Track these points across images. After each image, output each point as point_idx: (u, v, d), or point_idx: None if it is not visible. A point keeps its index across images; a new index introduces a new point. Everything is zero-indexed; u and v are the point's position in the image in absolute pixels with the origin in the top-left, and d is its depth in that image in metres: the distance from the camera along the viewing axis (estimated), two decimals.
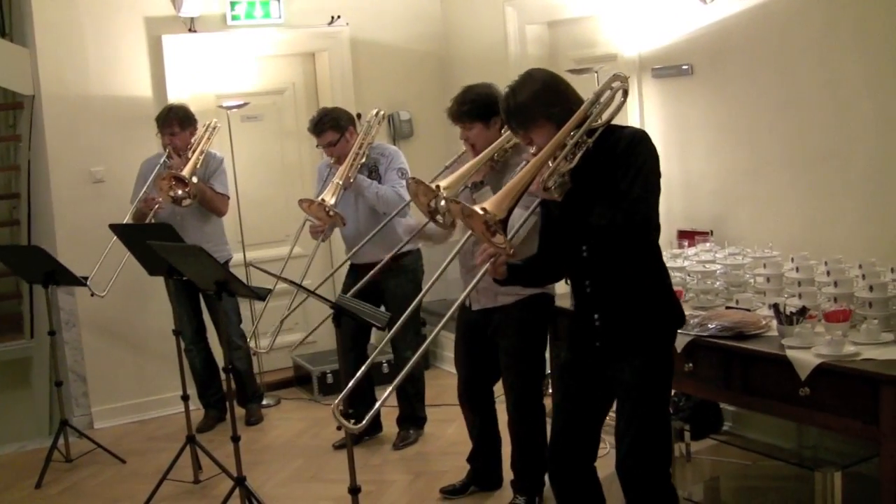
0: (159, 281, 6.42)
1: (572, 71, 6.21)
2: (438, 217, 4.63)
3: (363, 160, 6.06)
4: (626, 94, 3.66)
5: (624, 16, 6.31)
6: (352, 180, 5.95)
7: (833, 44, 5.05)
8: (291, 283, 4.34)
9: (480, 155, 4.79)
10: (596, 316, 3.82)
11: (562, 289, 5.07)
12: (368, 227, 5.89)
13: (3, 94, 9.01)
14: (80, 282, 6.27)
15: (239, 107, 7.45)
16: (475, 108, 4.86)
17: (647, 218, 3.66)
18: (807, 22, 5.19)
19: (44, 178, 7.46)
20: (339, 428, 4.36)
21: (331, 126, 6.11)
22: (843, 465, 4.33)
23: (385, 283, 6.08)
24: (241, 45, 7.77)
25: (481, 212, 3.45)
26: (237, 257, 7.27)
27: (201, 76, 7.76)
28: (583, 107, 3.64)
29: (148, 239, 5.34)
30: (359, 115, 7.22)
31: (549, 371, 5.51)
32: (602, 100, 3.64)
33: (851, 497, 4.35)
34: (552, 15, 7.10)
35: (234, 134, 7.46)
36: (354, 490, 4.31)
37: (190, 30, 7.48)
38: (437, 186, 4.58)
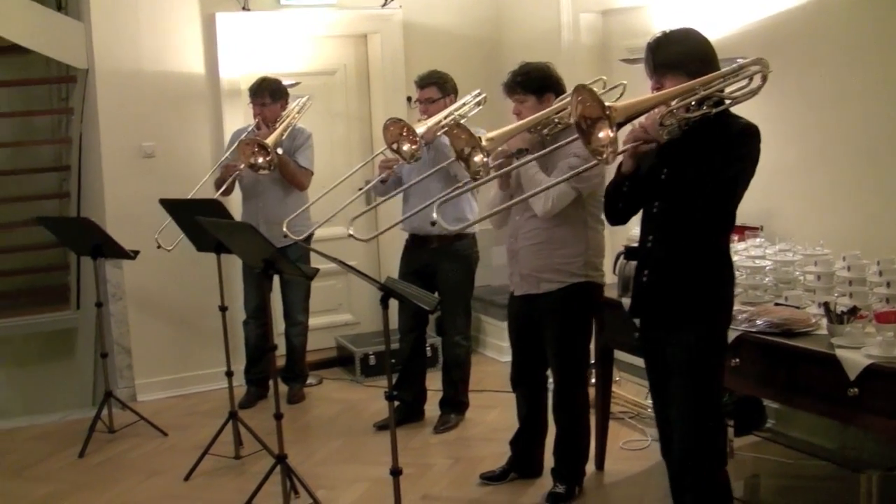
0: (206, 257, 6.45)
1: (625, 60, 6.19)
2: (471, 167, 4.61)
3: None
4: (764, 80, 3.68)
5: (677, 5, 6.26)
6: (437, 134, 5.94)
7: (886, 39, 5.00)
8: (342, 263, 4.34)
9: (529, 118, 4.77)
10: (646, 272, 3.92)
11: (607, 279, 5.08)
12: (436, 193, 5.90)
13: (56, 67, 9.07)
14: (129, 255, 6.31)
15: (290, 86, 7.45)
16: (530, 80, 4.89)
17: (726, 201, 3.77)
18: (860, 17, 5.14)
19: (95, 152, 7.52)
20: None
21: (436, 83, 6.15)
22: (887, 468, 4.29)
23: (438, 266, 6.11)
24: (293, 25, 7.79)
25: (606, 106, 3.47)
26: None
27: (253, 54, 7.78)
28: (720, 71, 3.70)
29: (197, 214, 5.37)
30: (409, 99, 7.22)
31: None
32: (739, 76, 3.69)
33: (892, 501, 4.32)
34: (606, 4, 7.07)
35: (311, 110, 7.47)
36: (396, 472, 4.32)
37: (244, 8, 7.50)
38: (480, 137, 4.55)
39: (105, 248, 6.35)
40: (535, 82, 4.89)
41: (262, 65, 7.73)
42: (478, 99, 6.12)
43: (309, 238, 6.28)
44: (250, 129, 6.78)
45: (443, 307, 6.02)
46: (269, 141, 6.45)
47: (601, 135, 3.52)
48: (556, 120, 4.79)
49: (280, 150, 6.54)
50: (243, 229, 4.98)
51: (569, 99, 4.62)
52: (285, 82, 7.40)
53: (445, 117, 5.94)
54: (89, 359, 8.54)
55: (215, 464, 5.88)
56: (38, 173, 10.05)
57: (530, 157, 4.66)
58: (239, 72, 7.44)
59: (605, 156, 3.52)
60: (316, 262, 6.16)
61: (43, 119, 10.39)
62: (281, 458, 5.12)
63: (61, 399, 8.76)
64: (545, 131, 4.83)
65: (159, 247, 6.38)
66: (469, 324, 6.46)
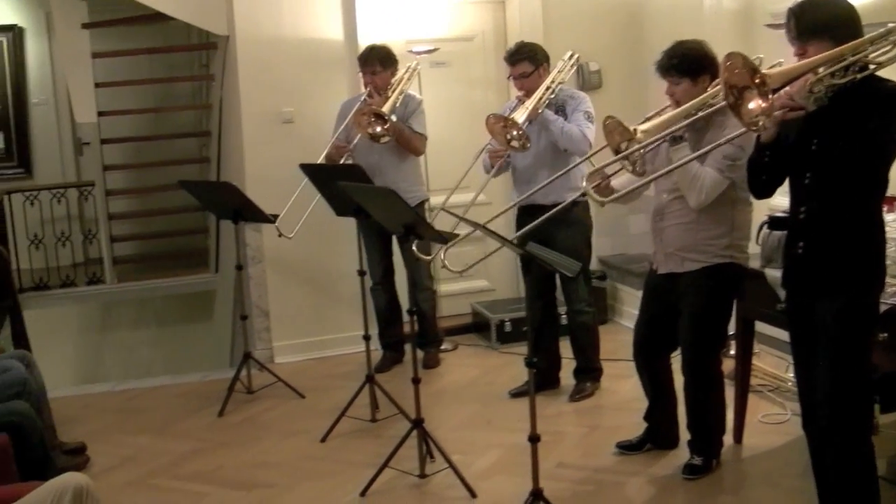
0: (345, 221, 6.52)
1: (770, 26, 6.03)
2: (626, 163, 4.57)
3: (552, 96, 6.02)
4: None
5: None
6: (539, 111, 5.91)
7: None
8: (483, 228, 4.33)
9: (684, 106, 4.68)
10: (801, 244, 3.84)
11: (748, 249, 4.98)
12: (545, 165, 5.87)
13: (197, 34, 9.23)
14: (269, 219, 6.40)
15: (428, 52, 7.48)
16: (685, 62, 4.76)
17: (880, 165, 3.68)
18: None
19: (235, 118, 7.64)
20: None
21: (527, 57, 6.08)
22: None
23: (554, 234, 6.02)
24: None
25: (759, 74, 3.40)
26: None
27: (391, 21, 7.79)
28: (869, 36, 3.58)
29: (337, 180, 5.41)
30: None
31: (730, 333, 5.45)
32: (886, 40, 3.56)
33: None
34: None
35: (422, 79, 7.49)
36: (534, 438, 4.31)
37: None
38: (634, 129, 4.50)
39: (245, 212, 6.45)
40: (690, 64, 4.76)
41: (400, 31, 7.75)
42: (571, 61, 6.10)
43: (421, 205, 6.32)
44: (362, 98, 6.78)
45: (562, 275, 5.97)
46: (385, 108, 6.47)
47: (752, 105, 3.44)
48: (711, 102, 4.69)
49: (394, 117, 6.54)
50: (384, 194, 4.99)
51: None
52: (422, 48, 7.43)
53: (543, 93, 5.94)
54: (227, 321, 8.71)
55: (351, 426, 5.95)
56: (178, 139, 10.26)
57: (683, 143, 4.63)
58: (377, 37, 7.44)
59: (759, 126, 3.44)
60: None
61: (183, 85, 10.61)
62: (417, 423, 5.16)
63: (199, 359, 8.97)
64: (700, 114, 4.74)
65: (280, 235, 6.48)
66: (590, 290, 6.41)
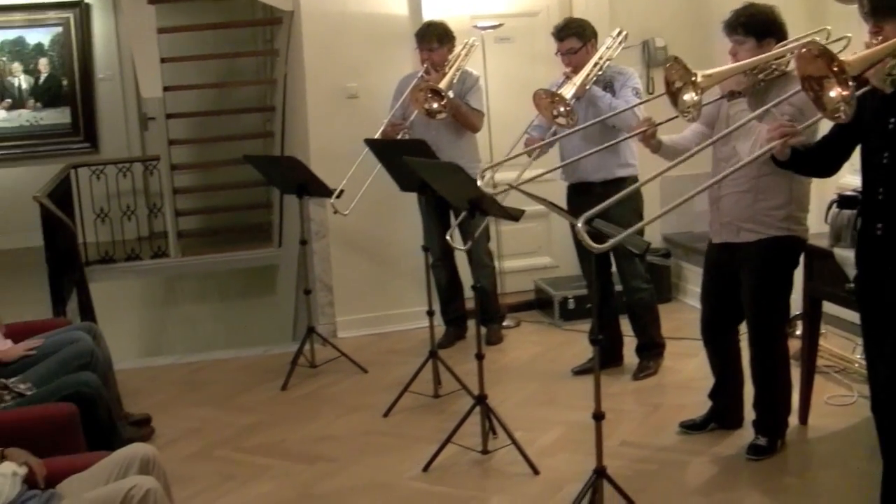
0: (409, 197, 6.52)
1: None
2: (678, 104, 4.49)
3: (599, 73, 5.97)
4: None
5: None
6: (587, 87, 5.87)
7: None
8: (552, 205, 4.30)
9: (749, 60, 4.60)
10: (879, 225, 3.77)
11: (816, 228, 4.92)
12: (592, 142, 5.82)
13: (262, 9, 9.26)
14: (333, 194, 6.41)
15: (493, 27, 7.44)
16: (754, 22, 4.67)
17: None
18: None
19: (299, 93, 7.66)
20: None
21: (575, 33, 6.03)
22: None
23: (606, 210, 5.95)
24: None
25: (837, 62, 3.32)
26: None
27: None
28: None
29: (403, 154, 5.41)
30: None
31: (797, 313, 5.38)
32: None
33: None
34: None
35: (486, 55, 7.45)
36: (598, 416, 4.27)
37: None
38: (696, 73, 4.41)
39: (310, 186, 6.47)
40: (758, 25, 4.69)
41: (465, 6, 7.71)
42: (619, 39, 6.04)
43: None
44: (419, 75, 6.75)
45: (616, 252, 5.94)
46: (443, 85, 6.44)
47: (832, 94, 3.36)
48: (774, 66, 4.63)
49: (451, 94, 6.52)
50: (450, 169, 4.98)
51: (790, 46, 4.48)
52: (486, 24, 7.39)
53: (591, 70, 5.89)
54: (290, 295, 8.76)
55: (414, 401, 5.96)
56: (242, 114, 10.32)
57: (741, 98, 4.56)
58: (442, 13, 7.42)
59: (841, 114, 3.36)
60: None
61: (247, 61, 10.67)
62: (481, 399, 5.16)
63: (261, 333, 9.04)
64: (760, 76, 4.68)
65: (336, 212, 6.49)
66: (646, 267, 6.36)
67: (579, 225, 3.64)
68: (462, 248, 5.84)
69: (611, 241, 3.76)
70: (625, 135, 5.65)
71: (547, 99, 5.70)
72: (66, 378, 4.95)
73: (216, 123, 10.38)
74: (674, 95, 4.41)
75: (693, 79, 4.29)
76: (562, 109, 5.66)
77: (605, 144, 5.38)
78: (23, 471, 3.71)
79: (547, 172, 5.38)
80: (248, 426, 5.90)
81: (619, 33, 6.06)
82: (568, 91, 5.72)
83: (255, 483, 5.11)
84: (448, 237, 5.78)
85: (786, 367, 4.99)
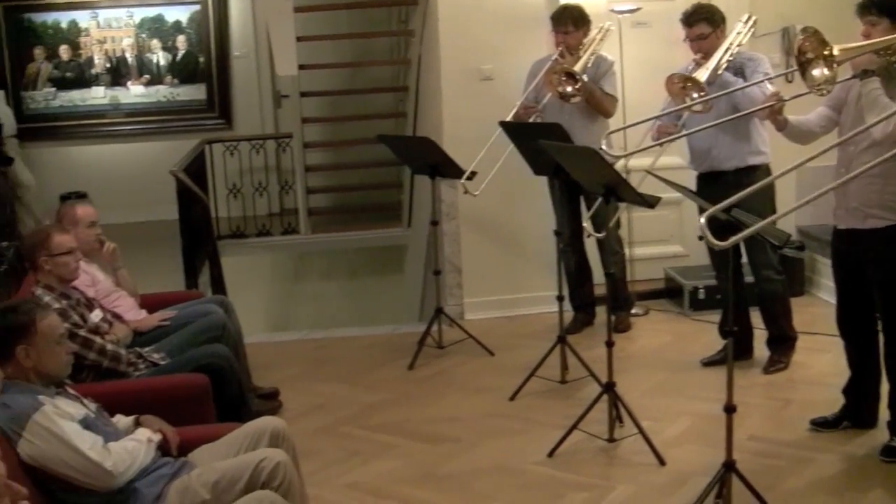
0: (540, 181, 6.49)
1: None
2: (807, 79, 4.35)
3: (730, 58, 5.85)
4: None
5: None
6: (719, 73, 5.75)
7: None
8: (690, 192, 4.23)
9: (879, 38, 4.46)
10: None
11: None
12: (724, 129, 5.70)
13: None
14: (466, 175, 6.39)
15: (630, 12, 7.34)
16: (888, 1, 4.54)
17: None
18: None
19: (434, 73, 7.67)
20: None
21: (704, 18, 5.91)
22: None
23: (740, 200, 5.84)
24: None
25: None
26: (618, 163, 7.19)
27: None
28: None
29: (538, 138, 5.37)
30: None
31: None
32: None
33: None
34: None
35: (623, 39, 7.36)
36: (730, 409, 4.20)
37: None
38: (832, 46, 4.28)
39: (443, 167, 6.48)
40: (892, 5, 4.55)
41: None
42: (749, 24, 5.92)
43: None
44: (553, 58, 6.69)
45: (748, 242, 5.80)
46: (577, 68, 6.38)
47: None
48: None
49: (585, 78, 6.44)
50: (586, 154, 4.94)
51: None
52: (624, 8, 7.31)
53: (723, 55, 5.76)
54: (417, 275, 8.79)
55: (540, 386, 5.94)
56: (375, 93, 10.38)
57: (873, 77, 4.43)
58: None
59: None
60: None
61: (381, 40, 10.72)
62: (609, 386, 5.12)
63: (387, 312, 9.10)
64: (894, 58, 4.53)
65: (466, 192, 6.47)
66: (779, 258, 6.22)
67: (702, 221, 3.55)
68: (598, 234, 5.80)
69: (738, 236, 3.68)
70: (757, 122, 5.53)
71: (679, 84, 5.60)
72: (198, 349, 5.05)
73: (349, 102, 10.47)
74: (802, 67, 4.28)
75: (827, 52, 4.17)
76: (695, 95, 5.56)
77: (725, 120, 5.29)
78: (157, 438, 3.79)
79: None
80: (373, 404, 5.95)
81: (749, 18, 5.95)
82: (702, 75, 5.62)
83: (379, 460, 5.15)
84: (586, 223, 5.72)
85: None
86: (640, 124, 5.73)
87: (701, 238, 3.59)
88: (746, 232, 3.69)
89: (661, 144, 5.75)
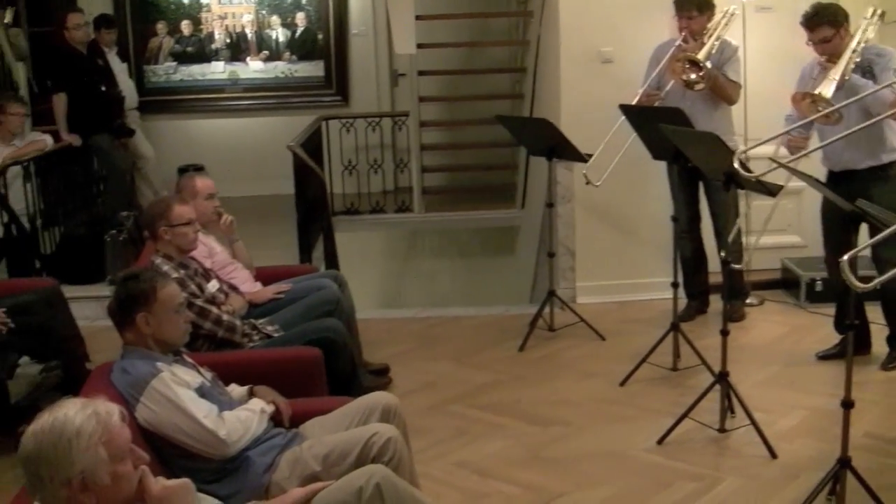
0: (657, 166, 6.41)
1: None
2: None
3: (858, 59, 5.68)
4: None
5: None
6: (846, 77, 5.59)
7: None
8: (814, 180, 4.15)
9: None
10: None
11: None
12: (857, 135, 5.55)
13: None
14: (584, 158, 6.36)
15: None
16: None
17: None
18: None
19: (553, 55, 7.61)
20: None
21: (827, 21, 5.70)
22: None
23: (868, 192, 5.66)
24: None
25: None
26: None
27: None
28: None
29: (659, 122, 5.31)
30: None
31: None
32: None
33: None
34: None
35: (747, 24, 7.23)
36: (848, 404, 4.12)
37: None
38: None
39: (560, 149, 6.44)
40: None
41: None
42: (874, 19, 5.71)
43: None
44: (676, 43, 6.59)
45: (872, 234, 5.64)
46: (701, 55, 6.29)
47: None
48: None
49: (709, 64, 6.34)
50: (708, 139, 4.87)
51: None
52: None
53: (849, 57, 5.55)
54: (529, 257, 8.77)
55: (651, 373, 5.90)
56: (492, 73, 10.37)
57: None
58: None
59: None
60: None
61: (498, 21, 10.71)
62: (722, 376, 5.05)
63: (498, 293, 9.10)
64: None
65: (588, 182, 6.42)
66: None
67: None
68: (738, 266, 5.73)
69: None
70: (892, 122, 5.40)
71: (807, 100, 5.47)
72: (312, 323, 5.11)
73: (465, 82, 10.48)
74: None
75: None
76: (820, 109, 5.42)
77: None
78: (270, 408, 3.84)
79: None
80: (483, 384, 5.96)
81: (874, 13, 5.75)
82: (828, 89, 5.44)
83: (488, 440, 5.16)
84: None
85: None
86: (770, 140, 5.61)
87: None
88: (886, 233, 3.60)
89: (796, 159, 5.64)
